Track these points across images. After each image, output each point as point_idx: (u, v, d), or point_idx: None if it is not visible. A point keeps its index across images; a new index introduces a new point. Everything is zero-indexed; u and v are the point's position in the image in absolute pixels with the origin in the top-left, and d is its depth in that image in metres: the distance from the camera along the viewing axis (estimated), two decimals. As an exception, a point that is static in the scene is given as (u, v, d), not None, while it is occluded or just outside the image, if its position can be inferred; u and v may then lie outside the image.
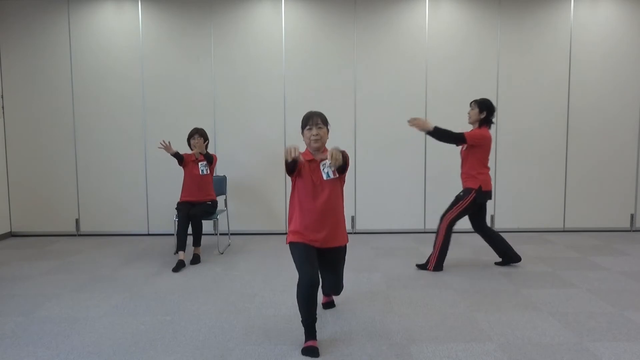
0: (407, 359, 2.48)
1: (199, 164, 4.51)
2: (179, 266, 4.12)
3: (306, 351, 2.53)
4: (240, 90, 5.40)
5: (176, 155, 4.42)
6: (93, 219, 5.52)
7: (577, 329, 2.82)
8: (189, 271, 4.07)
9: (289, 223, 2.83)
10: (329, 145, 2.70)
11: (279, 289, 3.59)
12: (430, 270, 3.98)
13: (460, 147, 4.05)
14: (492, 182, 5.40)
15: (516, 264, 4.12)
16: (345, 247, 2.87)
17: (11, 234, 5.55)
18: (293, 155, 2.44)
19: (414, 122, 3.72)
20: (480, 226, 4.07)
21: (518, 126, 5.44)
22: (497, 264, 4.17)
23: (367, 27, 5.35)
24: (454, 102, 5.38)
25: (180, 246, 4.26)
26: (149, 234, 5.53)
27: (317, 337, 2.65)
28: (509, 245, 4.09)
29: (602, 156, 5.46)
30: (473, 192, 3.87)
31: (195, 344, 2.66)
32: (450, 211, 3.94)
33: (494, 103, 5.37)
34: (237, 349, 2.60)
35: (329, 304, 3.19)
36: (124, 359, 2.50)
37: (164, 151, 5.26)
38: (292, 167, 2.60)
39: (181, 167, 4.58)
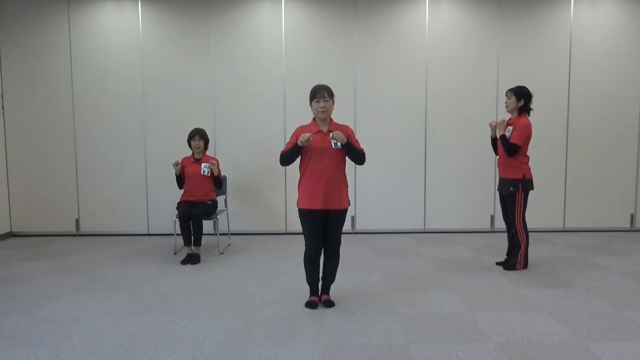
0: (407, 359, 2.48)
1: (202, 164, 4.50)
2: (187, 259, 4.29)
3: (308, 304, 3.16)
4: (240, 90, 5.40)
5: (179, 177, 4.51)
6: (93, 219, 5.52)
7: (577, 329, 2.82)
8: (189, 271, 4.07)
9: (299, 188, 3.16)
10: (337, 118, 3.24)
11: (279, 289, 3.59)
12: (519, 269, 3.96)
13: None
14: (493, 182, 5.46)
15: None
16: (346, 211, 3.20)
17: (11, 234, 5.55)
18: (309, 140, 2.95)
19: (497, 125, 3.91)
20: (507, 217, 4.09)
21: (518, 126, 5.43)
22: (498, 264, 4.17)
23: (367, 27, 5.35)
24: (454, 101, 5.38)
25: (187, 242, 4.37)
26: (149, 234, 5.53)
27: (317, 339, 2.67)
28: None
29: (602, 156, 5.46)
30: (519, 182, 3.87)
31: (195, 344, 2.66)
32: (515, 213, 3.92)
33: (495, 102, 5.40)
34: (237, 349, 2.60)
35: (329, 302, 3.20)
36: (124, 359, 2.50)
37: (164, 152, 5.29)
38: (292, 157, 3.10)
39: (178, 186, 4.62)
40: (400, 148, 5.44)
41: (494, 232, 5.51)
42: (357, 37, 5.36)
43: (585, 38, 5.36)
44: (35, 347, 2.65)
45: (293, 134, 3.18)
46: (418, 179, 5.48)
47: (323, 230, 3.10)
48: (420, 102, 5.40)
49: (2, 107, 5.43)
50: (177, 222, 4.42)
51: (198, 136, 4.51)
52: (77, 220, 5.52)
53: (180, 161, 4.50)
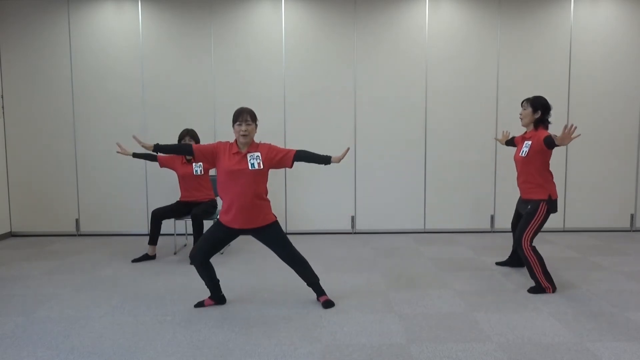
0: (407, 359, 2.48)
1: (194, 164, 4.49)
2: (143, 258, 4.37)
3: (197, 304, 3.23)
4: (240, 90, 5.40)
5: (144, 156, 4.46)
6: (93, 219, 5.52)
7: (577, 329, 2.83)
8: (189, 271, 4.07)
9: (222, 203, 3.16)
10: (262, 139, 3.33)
11: (279, 289, 3.59)
12: (551, 292, 3.41)
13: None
14: (493, 182, 5.46)
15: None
16: (273, 224, 3.13)
17: (11, 234, 5.55)
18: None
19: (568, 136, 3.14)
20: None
21: (518, 126, 5.42)
22: (497, 264, 4.17)
23: (367, 27, 5.35)
24: (454, 101, 5.38)
25: (152, 241, 4.42)
26: (149, 234, 5.52)
27: (317, 339, 2.66)
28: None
29: (602, 156, 5.46)
30: (543, 203, 3.39)
31: (195, 344, 2.66)
32: (526, 231, 3.42)
33: (495, 102, 5.40)
34: (237, 349, 2.60)
35: (328, 303, 3.20)
36: (124, 359, 2.50)
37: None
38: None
39: (165, 168, 4.59)
40: (400, 148, 5.44)
41: (494, 232, 5.51)
42: (357, 37, 5.36)
43: (585, 38, 5.36)
44: (35, 347, 2.65)
45: (213, 145, 3.17)
46: (418, 179, 5.49)
47: (223, 245, 3.16)
48: (420, 101, 5.40)
49: (2, 107, 5.43)
50: (178, 222, 4.41)
51: (188, 137, 4.48)
52: (77, 220, 5.52)
53: (121, 146, 4.33)
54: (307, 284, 3.26)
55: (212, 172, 4.77)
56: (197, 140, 4.58)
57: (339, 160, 3.12)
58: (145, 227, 5.51)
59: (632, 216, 5.53)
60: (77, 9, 5.34)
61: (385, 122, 5.41)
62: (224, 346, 2.64)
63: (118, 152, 4.37)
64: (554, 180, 3.53)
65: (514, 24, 5.35)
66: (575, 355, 2.50)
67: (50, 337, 2.76)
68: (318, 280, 3.26)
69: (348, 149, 3.22)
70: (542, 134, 3.40)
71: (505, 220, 5.50)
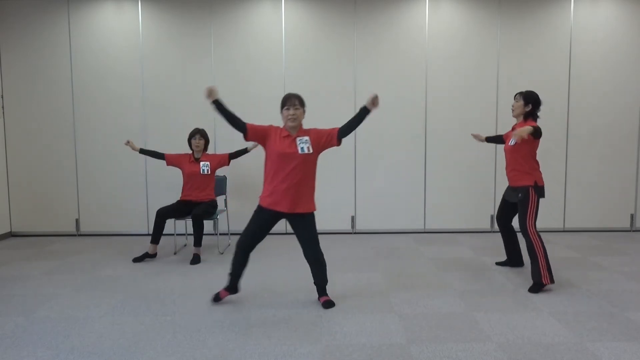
0: (407, 359, 2.48)
1: (201, 163, 4.50)
2: (143, 257, 4.38)
3: (215, 297, 3.24)
4: (240, 90, 5.40)
5: (149, 152, 4.51)
6: (93, 219, 5.52)
7: (577, 329, 2.83)
8: (189, 271, 4.08)
9: (264, 187, 3.22)
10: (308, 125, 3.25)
11: (279, 289, 3.59)
12: (547, 284, 3.47)
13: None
14: (493, 182, 5.46)
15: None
16: (312, 214, 3.19)
17: (11, 234, 5.55)
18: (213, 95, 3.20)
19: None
20: (507, 221, 3.99)
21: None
22: (497, 264, 4.17)
23: (367, 27, 5.35)
24: (454, 101, 5.38)
25: (154, 239, 4.43)
26: (149, 234, 5.52)
27: (317, 339, 2.67)
28: (519, 250, 4.07)
29: (602, 156, 5.46)
30: (531, 188, 3.57)
31: (195, 344, 2.66)
32: (527, 219, 3.54)
33: (494, 102, 5.40)
34: (237, 349, 2.60)
35: (329, 303, 3.20)
36: (124, 359, 2.50)
37: (164, 151, 5.27)
38: (227, 117, 3.32)
39: (172, 167, 4.61)
40: (400, 148, 5.44)
41: (494, 232, 5.50)
42: (357, 37, 5.36)
43: (585, 38, 5.36)
44: (35, 347, 2.65)
45: (265, 126, 3.20)
46: (418, 179, 5.49)
47: (268, 230, 3.21)
48: (420, 101, 5.40)
49: (2, 107, 5.43)
50: (177, 222, 4.42)
51: (199, 135, 4.51)
52: (77, 220, 5.52)
53: (129, 142, 4.55)
54: (315, 283, 3.27)
55: (218, 172, 4.78)
56: (207, 140, 4.60)
57: (372, 103, 3.27)
58: (145, 227, 5.51)
59: (632, 216, 5.53)
60: (77, 9, 5.34)
61: (386, 122, 5.41)
62: (224, 346, 2.64)
63: (126, 144, 4.49)
64: (554, 176, 3.72)
65: (514, 24, 5.35)
66: (575, 355, 2.50)
67: (50, 337, 2.76)
68: (326, 284, 3.28)
69: (375, 95, 3.26)
70: (530, 124, 3.59)
71: (505, 220, 5.50)
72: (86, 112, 5.43)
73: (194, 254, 4.37)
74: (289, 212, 3.09)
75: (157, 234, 4.42)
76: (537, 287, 3.47)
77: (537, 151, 3.53)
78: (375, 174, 5.47)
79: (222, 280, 3.81)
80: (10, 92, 5.42)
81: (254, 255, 4.56)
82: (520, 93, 3.70)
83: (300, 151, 3.06)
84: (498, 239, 5.12)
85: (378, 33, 5.35)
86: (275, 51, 5.36)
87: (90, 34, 5.36)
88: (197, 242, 4.39)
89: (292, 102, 3.10)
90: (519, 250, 4.08)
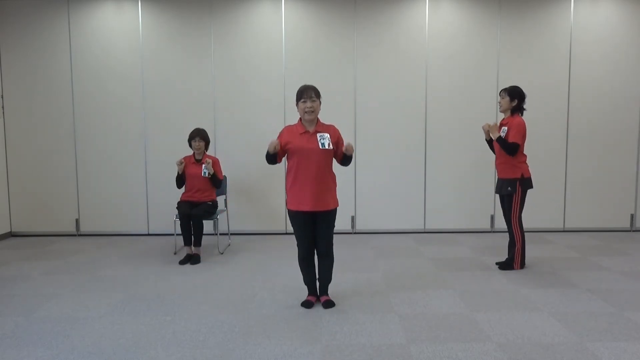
0: (407, 359, 2.48)
1: (203, 165, 4.49)
2: (187, 259, 4.29)
3: (304, 304, 3.21)
4: (240, 90, 5.40)
5: (180, 177, 4.49)
6: (93, 219, 5.52)
7: (577, 329, 2.83)
8: (189, 271, 4.07)
9: (287, 188, 3.15)
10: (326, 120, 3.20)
11: (279, 289, 3.59)
12: (517, 269, 3.97)
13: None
14: (493, 182, 5.45)
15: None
16: (334, 210, 3.13)
17: (11, 234, 5.55)
18: (275, 149, 2.95)
19: (490, 128, 3.94)
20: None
21: (518, 126, 5.43)
22: (498, 264, 4.17)
23: (367, 27, 5.35)
24: (454, 101, 5.38)
25: (187, 241, 4.39)
26: (149, 234, 5.53)
27: (317, 339, 2.68)
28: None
29: (602, 156, 5.46)
30: (518, 181, 3.86)
31: (195, 344, 2.66)
32: (512, 211, 3.93)
33: (495, 102, 5.39)
34: (237, 349, 2.60)
35: (329, 303, 3.19)
36: (124, 359, 2.50)
37: (164, 152, 5.29)
38: (273, 159, 3.03)
39: (178, 185, 4.59)
40: (400, 148, 5.44)
41: (494, 232, 5.51)
42: (357, 37, 5.36)
43: (585, 38, 5.36)
44: (35, 347, 2.65)
45: (280, 133, 3.15)
46: (418, 179, 5.49)
47: (313, 231, 3.11)
48: (420, 101, 5.40)
49: (2, 107, 5.43)
50: (178, 222, 4.42)
51: (199, 137, 4.49)
52: (77, 220, 5.52)
53: (183, 160, 4.49)
54: (318, 279, 3.24)
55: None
56: (207, 141, 4.58)
57: (347, 150, 3.07)
58: (145, 227, 5.51)
59: (632, 216, 5.53)
60: (77, 9, 5.34)
61: (386, 122, 5.41)
62: (224, 346, 2.64)
63: (179, 164, 4.46)
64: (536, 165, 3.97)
65: (514, 24, 5.35)
66: (575, 355, 2.50)
67: (50, 337, 2.76)
68: (329, 282, 3.27)
69: (349, 144, 3.08)
70: (517, 119, 3.88)
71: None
72: (86, 112, 5.42)
73: (194, 254, 4.36)
74: (313, 210, 3.02)
75: (188, 235, 4.39)
76: (508, 266, 4.00)
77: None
78: (375, 174, 5.46)
79: (222, 280, 3.82)
80: (10, 92, 5.42)
81: (254, 255, 4.58)
82: (505, 89, 3.93)
83: (320, 146, 2.99)
84: (498, 239, 5.13)
85: (378, 33, 5.35)
86: (275, 51, 5.36)
87: (90, 34, 5.36)
88: (197, 243, 4.38)
89: (309, 94, 3.01)
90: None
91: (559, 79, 5.39)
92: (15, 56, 5.38)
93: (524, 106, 3.95)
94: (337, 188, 3.20)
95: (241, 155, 5.44)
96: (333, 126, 3.16)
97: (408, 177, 5.48)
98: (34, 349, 2.62)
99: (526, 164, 3.96)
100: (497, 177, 4.24)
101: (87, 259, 4.51)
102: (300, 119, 3.10)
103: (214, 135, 5.38)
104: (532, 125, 5.40)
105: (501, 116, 4.23)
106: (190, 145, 4.55)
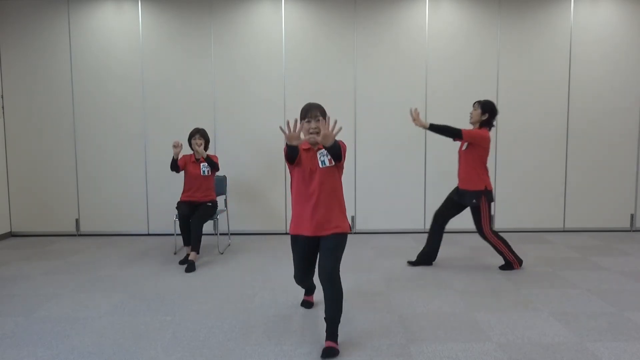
0: (407, 359, 2.48)
1: (201, 164, 4.48)
2: (186, 260, 4.20)
3: (303, 303, 3.23)
4: (240, 90, 5.40)
5: (175, 162, 4.40)
6: (93, 219, 5.52)
7: (577, 329, 2.83)
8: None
9: (292, 211, 2.87)
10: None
11: (279, 289, 3.59)
12: (517, 268, 4.01)
13: (458, 146, 4.07)
14: (493, 182, 5.45)
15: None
16: (343, 235, 2.71)
17: (11, 234, 5.55)
18: (295, 141, 2.52)
19: (415, 115, 3.82)
20: (446, 217, 4.11)
21: (518, 126, 5.44)
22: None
23: (367, 27, 5.35)
24: (454, 101, 5.38)
25: (186, 242, 4.38)
26: (149, 234, 5.53)
27: (317, 339, 2.68)
28: (437, 249, 4.17)
29: (602, 156, 5.46)
30: (482, 194, 3.87)
31: (195, 344, 2.66)
32: (482, 224, 3.92)
33: (495, 103, 5.39)
34: (237, 349, 2.60)
35: (330, 352, 2.51)
36: (124, 359, 2.50)
37: (164, 152, 5.28)
38: (293, 154, 2.61)
39: (173, 171, 4.54)
40: (400, 148, 5.44)
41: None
42: (357, 37, 5.36)
43: (585, 38, 5.36)
44: (35, 347, 2.65)
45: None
46: (418, 179, 5.49)
47: (312, 259, 2.81)
48: (420, 101, 5.40)
49: (2, 107, 5.43)
50: (177, 222, 4.41)
51: (198, 135, 4.47)
52: (77, 220, 5.52)
53: (180, 143, 4.38)
54: (325, 318, 2.61)
55: (218, 172, 4.78)
56: (207, 139, 4.56)
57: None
58: (145, 227, 5.51)
59: (632, 216, 5.53)
60: (77, 9, 5.34)
61: (386, 122, 5.41)
62: (224, 346, 2.64)
63: (175, 146, 4.37)
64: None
65: (514, 24, 5.35)
66: (575, 355, 2.50)
67: (50, 337, 2.76)
68: (337, 323, 2.60)
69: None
70: (481, 130, 3.88)
71: (505, 220, 5.51)
72: (86, 112, 5.43)
73: (190, 261, 4.13)
74: (315, 234, 2.69)
75: (187, 236, 4.39)
76: (508, 267, 4.02)
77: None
78: (375, 174, 5.47)
79: (222, 280, 3.82)
80: (10, 92, 5.42)
81: (254, 255, 4.58)
82: (479, 102, 3.96)
83: (321, 165, 2.67)
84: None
85: (378, 33, 5.35)
86: (275, 51, 5.36)
87: (90, 34, 5.36)
88: (195, 248, 4.21)
89: (314, 113, 2.66)
90: (437, 250, 4.18)
91: (559, 79, 5.40)
92: (15, 56, 5.38)
93: (494, 122, 3.96)
94: (345, 210, 2.84)
95: (241, 155, 5.44)
96: (340, 142, 2.63)
97: (408, 177, 5.48)
98: (34, 349, 2.62)
99: (488, 176, 3.95)
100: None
101: (87, 259, 4.51)
102: None
103: (214, 135, 5.38)
104: (532, 125, 5.44)
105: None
106: (190, 145, 4.54)
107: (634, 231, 5.53)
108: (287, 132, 2.48)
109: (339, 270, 2.61)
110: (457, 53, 5.37)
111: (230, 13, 5.34)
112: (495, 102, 5.39)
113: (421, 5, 5.33)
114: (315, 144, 2.71)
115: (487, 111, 3.89)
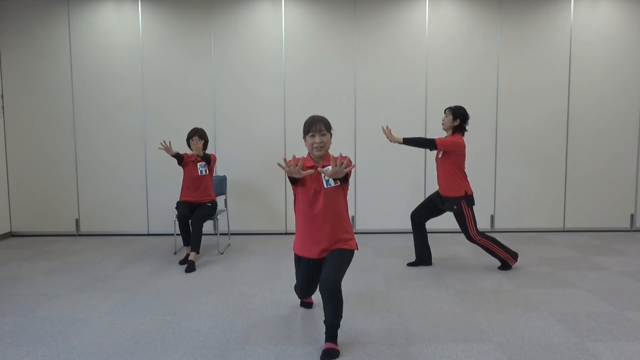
0: (407, 359, 2.48)
1: (198, 164, 4.48)
2: (186, 260, 4.20)
3: (303, 304, 3.22)
4: (240, 90, 5.40)
5: (176, 155, 4.39)
6: (93, 219, 5.52)
7: (577, 329, 2.83)
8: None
9: (295, 227, 2.78)
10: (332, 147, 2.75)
11: (279, 289, 3.59)
12: (514, 263, 4.00)
13: (435, 154, 4.09)
14: (493, 182, 5.46)
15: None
16: (350, 251, 2.64)
17: (11, 234, 5.55)
18: (297, 175, 2.38)
19: (387, 132, 3.83)
20: (422, 218, 4.13)
21: (518, 126, 5.44)
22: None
23: (367, 28, 5.35)
24: (454, 102, 5.37)
25: (186, 242, 4.37)
26: (149, 234, 5.53)
27: (317, 339, 2.68)
28: (428, 248, 4.18)
29: (602, 156, 5.46)
30: (462, 200, 3.88)
31: (195, 344, 2.66)
32: (468, 229, 3.89)
33: (495, 103, 5.40)
34: (237, 349, 2.60)
35: (330, 353, 2.49)
36: (124, 359, 2.50)
37: (164, 152, 5.27)
38: (297, 179, 2.55)
39: (181, 167, 4.58)
40: (400, 148, 5.44)
41: (494, 232, 5.51)
42: (357, 37, 5.36)
43: (585, 38, 5.36)
44: (35, 347, 2.65)
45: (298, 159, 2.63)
46: (418, 179, 5.49)
47: (316, 277, 2.73)
48: (420, 102, 5.40)
49: (2, 107, 5.43)
50: (177, 222, 4.41)
51: (197, 136, 4.45)
52: (77, 220, 5.52)
53: (165, 142, 4.31)
54: (324, 322, 2.57)
55: (218, 172, 4.77)
56: (206, 140, 4.55)
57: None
58: (145, 227, 5.51)
59: (632, 216, 5.53)
60: (77, 9, 5.34)
61: (386, 122, 5.40)
62: (224, 346, 2.64)
63: (160, 148, 4.35)
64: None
65: (514, 24, 5.35)
66: (575, 355, 2.50)
67: (50, 337, 2.76)
68: (337, 326, 2.56)
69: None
70: (455, 137, 3.89)
71: (505, 220, 5.51)
72: (86, 112, 5.43)
73: (190, 261, 4.13)
74: (319, 257, 2.64)
75: (186, 236, 4.38)
76: (505, 267, 4.02)
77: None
78: (375, 173, 5.47)
79: (222, 280, 3.82)
80: (10, 92, 5.42)
81: (254, 255, 4.58)
82: (450, 108, 3.96)
83: (325, 185, 2.56)
84: (498, 238, 5.12)
85: (378, 33, 5.35)
86: (275, 51, 5.37)
87: (90, 34, 5.36)
88: (194, 248, 4.22)
89: (318, 127, 2.56)
90: (429, 249, 4.19)
91: (559, 79, 5.40)
92: (15, 56, 5.38)
93: (466, 127, 3.96)
94: (351, 228, 2.76)
95: (241, 155, 5.44)
96: (345, 157, 2.41)
97: (408, 177, 5.48)
98: (34, 349, 2.62)
99: (468, 181, 3.95)
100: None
101: (87, 259, 4.51)
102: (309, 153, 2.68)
103: (214, 135, 5.38)
104: (532, 125, 5.44)
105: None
106: (189, 145, 4.53)
107: (633, 231, 5.53)
108: (286, 168, 2.36)
109: (340, 284, 2.50)
110: (457, 53, 5.37)
111: (230, 13, 5.34)
112: (495, 102, 5.41)
113: (421, 5, 5.33)
114: (320, 158, 2.62)
115: (459, 117, 3.91)
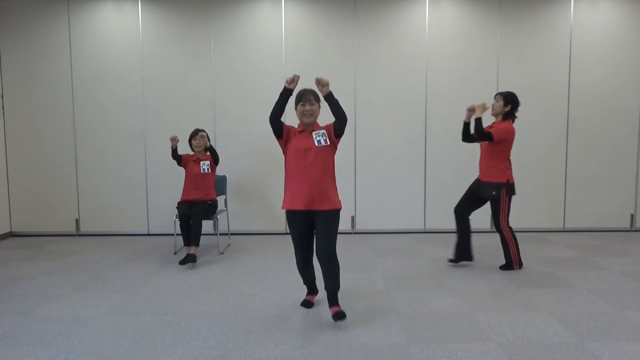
0: (407, 359, 2.48)
1: (201, 162, 4.50)
2: (186, 260, 4.15)
3: (303, 303, 3.21)
4: (240, 90, 5.40)
5: (175, 152, 4.41)
6: (93, 219, 5.52)
7: (577, 329, 2.83)
8: (189, 271, 4.07)
9: (284, 188, 3.03)
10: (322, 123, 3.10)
11: (279, 289, 3.59)
12: (517, 269, 3.99)
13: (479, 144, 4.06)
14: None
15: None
16: (336, 212, 2.92)
17: (11, 234, 5.55)
18: (293, 85, 3.15)
19: (473, 108, 3.88)
20: (466, 212, 4.10)
21: (518, 126, 5.40)
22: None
23: (367, 28, 5.35)
24: (454, 102, 5.38)
25: (186, 242, 4.36)
26: (149, 234, 5.53)
27: (317, 339, 2.68)
28: (469, 241, 4.13)
29: (602, 156, 5.46)
30: (503, 186, 3.83)
31: (195, 344, 2.66)
32: (500, 217, 3.88)
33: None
34: (237, 349, 2.60)
35: (339, 315, 2.85)
36: (124, 359, 2.50)
37: (164, 152, 5.27)
38: (278, 126, 3.05)
39: (181, 167, 4.60)
40: (400, 148, 5.44)
41: (494, 232, 5.50)
42: (357, 37, 5.36)
43: (585, 38, 5.36)
44: (35, 347, 2.65)
45: (288, 125, 3.14)
46: (418, 179, 5.49)
47: (309, 234, 2.98)
48: (420, 102, 5.40)
49: (2, 107, 5.43)
50: (177, 222, 4.42)
51: (199, 135, 4.50)
52: (77, 220, 5.52)
53: (177, 137, 4.43)
54: (325, 288, 2.93)
55: (218, 172, 4.77)
56: (208, 140, 4.58)
57: (319, 83, 3.11)
58: (145, 227, 5.51)
59: (632, 216, 5.53)
60: (77, 9, 5.34)
61: (386, 122, 5.41)
62: (224, 346, 2.64)
63: (172, 138, 4.42)
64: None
65: (514, 24, 5.35)
66: (575, 355, 2.50)
67: (50, 337, 2.76)
68: (338, 289, 2.95)
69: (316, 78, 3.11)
70: (505, 124, 3.85)
71: (505, 220, 5.50)
72: (86, 112, 5.43)
73: (190, 254, 4.17)
74: (308, 208, 2.87)
75: (187, 236, 4.38)
76: (508, 267, 4.01)
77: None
78: (375, 174, 5.47)
79: (222, 280, 3.82)
80: (10, 92, 5.42)
81: (254, 255, 4.58)
82: (500, 93, 3.89)
83: (317, 144, 2.91)
84: (498, 239, 5.11)
85: (378, 33, 5.35)
86: (275, 51, 5.36)
87: (90, 34, 5.36)
88: (194, 242, 4.26)
89: (307, 97, 3.06)
90: (470, 245, 4.14)
91: (559, 79, 5.39)
92: (15, 56, 5.38)
93: (517, 114, 3.91)
94: (337, 188, 3.03)
95: (241, 155, 5.44)
96: (328, 125, 3.05)
97: (408, 177, 5.48)
98: (34, 349, 2.62)
99: (511, 170, 3.91)
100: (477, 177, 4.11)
101: (87, 259, 4.51)
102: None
103: (214, 135, 5.38)
104: (532, 125, 5.44)
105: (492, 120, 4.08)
106: (190, 145, 4.56)
107: (634, 231, 5.53)
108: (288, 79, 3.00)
109: (335, 250, 2.89)
110: (457, 53, 5.37)
111: (230, 13, 5.34)
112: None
113: (421, 5, 5.33)
114: (309, 125, 3.00)
115: (510, 103, 3.82)
